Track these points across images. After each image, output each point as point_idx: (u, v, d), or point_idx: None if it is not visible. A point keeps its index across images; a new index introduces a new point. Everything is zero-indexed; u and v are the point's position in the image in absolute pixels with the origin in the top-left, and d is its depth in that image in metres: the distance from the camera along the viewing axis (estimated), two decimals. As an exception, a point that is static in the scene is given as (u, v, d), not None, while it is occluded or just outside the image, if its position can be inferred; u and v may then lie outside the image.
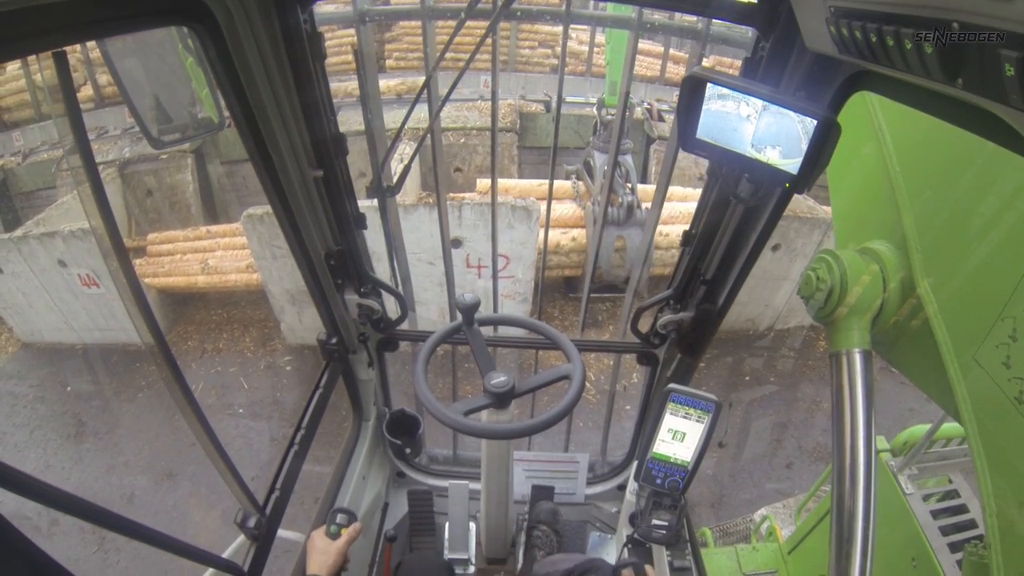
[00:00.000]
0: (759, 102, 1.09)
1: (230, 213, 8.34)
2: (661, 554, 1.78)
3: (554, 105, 1.90)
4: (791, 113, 1.06)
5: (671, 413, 1.60)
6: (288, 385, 6.11)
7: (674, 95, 8.57)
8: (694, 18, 1.58)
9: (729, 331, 6.79)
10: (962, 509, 2.48)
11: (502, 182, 6.83)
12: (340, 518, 1.43)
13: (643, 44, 8.90)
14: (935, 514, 2.42)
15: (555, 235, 6.61)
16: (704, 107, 1.14)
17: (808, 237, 6.35)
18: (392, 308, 2.03)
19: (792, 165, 1.11)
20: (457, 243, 5.59)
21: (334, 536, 1.45)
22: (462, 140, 7.54)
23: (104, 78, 9.24)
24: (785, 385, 6.38)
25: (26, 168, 8.85)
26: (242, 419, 5.53)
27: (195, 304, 7.44)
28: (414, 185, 7.05)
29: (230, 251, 6.95)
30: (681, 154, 1.39)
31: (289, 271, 5.22)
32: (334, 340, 1.89)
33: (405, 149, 6.94)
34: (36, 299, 6.68)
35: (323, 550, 1.32)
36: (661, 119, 8.13)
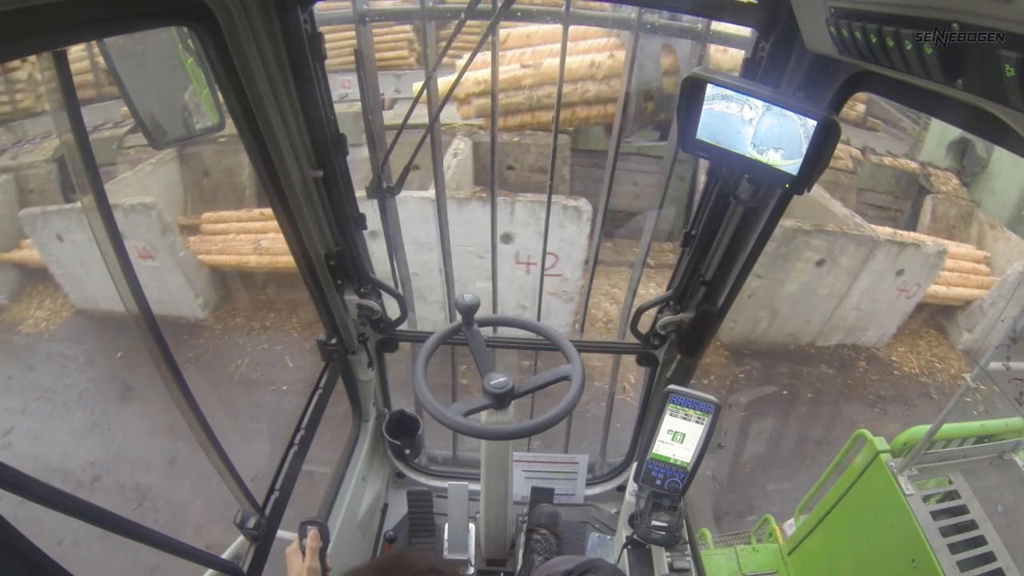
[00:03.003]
0: (759, 103, 1.09)
1: (263, 199, 8.56)
2: (661, 555, 1.78)
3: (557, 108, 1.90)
4: (791, 114, 1.06)
5: (671, 414, 1.60)
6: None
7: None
8: (694, 18, 1.58)
9: (769, 343, 6.69)
10: (962, 510, 2.47)
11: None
12: (306, 530, 1.38)
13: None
14: (935, 515, 2.42)
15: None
16: (704, 108, 1.14)
17: (854, 255, 6.18)
18: (392, 309, 2.03)
19: (792, 166, 1.11)
20: (508, 238, 5.64)
21: (305, 550, 1.40)
22: (516, 139, 7.55)
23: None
24: (825, 403, 6.30)
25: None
26: (285, 395, 5.62)
27: (245, 283, 7.55)
28: (467, 180, 7.03)
29: (281, 234, 7.00)
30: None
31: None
32: (334, 341, 1.89)
33: (460, 145, 6.99)
34: (93, 268, 6.75)
35: (297, 571, 1.30)
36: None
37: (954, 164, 8.64)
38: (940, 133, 8.82)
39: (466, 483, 2.21)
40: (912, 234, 6.87)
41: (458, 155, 6.75)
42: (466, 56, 1.60)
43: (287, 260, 6.78)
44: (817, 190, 7.00)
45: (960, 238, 7.86)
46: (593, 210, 5.58)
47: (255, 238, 7.05)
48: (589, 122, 7.56)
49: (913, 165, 8.37)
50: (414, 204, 5.13)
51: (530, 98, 7.14)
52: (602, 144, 7.43)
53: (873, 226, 6.44)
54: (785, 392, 6.31)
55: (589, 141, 7.84)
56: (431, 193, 5.38)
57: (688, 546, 1.79)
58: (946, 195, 7.98)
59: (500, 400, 1.50)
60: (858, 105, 9.11)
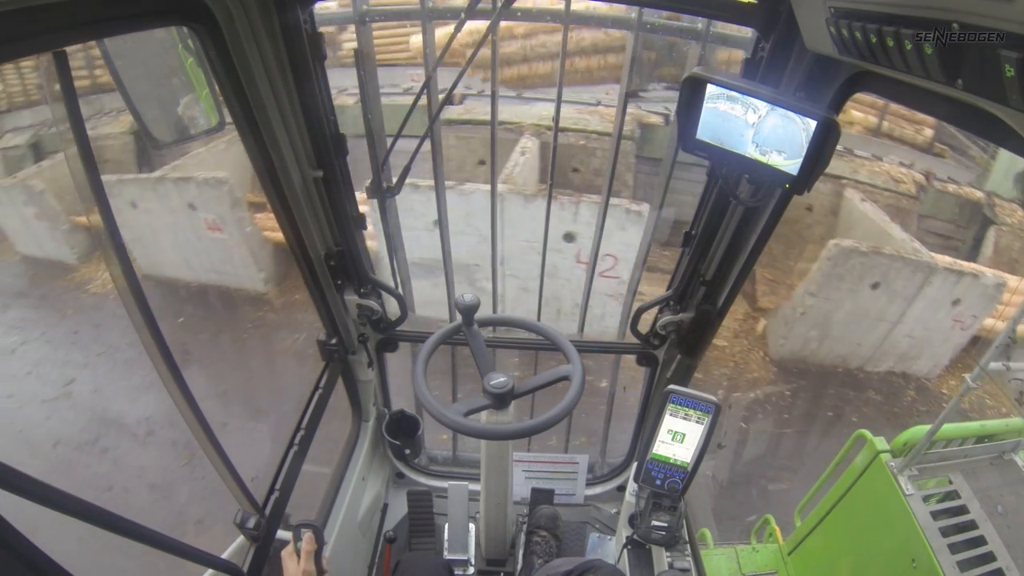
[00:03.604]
0: (759, 103, 1.09)
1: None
2: (661, 555, 1.78)
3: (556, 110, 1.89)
4: (791, 114, 1.06)
5: (671, 414, 1.60)
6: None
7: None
8: (694, 18, 1.58)
9: (818, 364, 6.59)
10: (962, 510, 2.47)
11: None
12: (300, 532, 1.38)
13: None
14: (935, 515, 2.42)
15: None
16: (704, 108, 1.14)
17: (910, 279, 6.03)
18: (392, 309, 2.03)
19: (792, 166, 1.11)
20: (570, 238, 5.70)
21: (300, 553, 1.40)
22: (582, 142, 7.55)
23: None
24: (869, 430, 6.31)
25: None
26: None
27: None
28: (532, 178, 7.07)
29: None
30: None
31: (408, 243, 5.51)
32: (334, 341, 1.89)
33: (527, 144, 7.02)
34: (162, 236, 7.13)
35: (292, 574, 1.30)
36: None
37: (1021, 196, 8.27)
38: (1008, 163, 8.41)
39: (466, 483, 2.21)
40: (971, 264, 6.65)
41: (525, 153, 6.87)
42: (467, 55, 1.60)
43: None
44: (876, 212, 6.89)
45: (1022, 273, 7.53)
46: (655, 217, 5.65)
47: None
48: (593, 76, 7.48)
49: (978, 194, 8.03)
50: (479, 197, 5.35)
51: (524, 47, 7.09)
52: (663, 153, 7.42)
53: (932, 253, 6.26)
54: (830, 414, 6.23)
55: (653, 149, 7.76)
56: (501, 188, 5.55)
57: (688, 546, 1.79)
58: (1011, 227, 7.67)
59: (500, 400, 1.50)
60: (925, 130, 8.70)
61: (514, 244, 5.66)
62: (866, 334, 6.46)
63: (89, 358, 5.95)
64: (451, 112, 7.55)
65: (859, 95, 1.13)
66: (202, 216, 6.84)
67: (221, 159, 7.66)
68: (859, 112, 8.42)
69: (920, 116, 8.05)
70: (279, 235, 7.19)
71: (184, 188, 6.78)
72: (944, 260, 6.28)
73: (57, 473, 4.70)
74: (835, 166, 7.24)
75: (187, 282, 7.47)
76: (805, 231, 7.62)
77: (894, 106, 8.16)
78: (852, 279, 6.01)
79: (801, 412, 6.22)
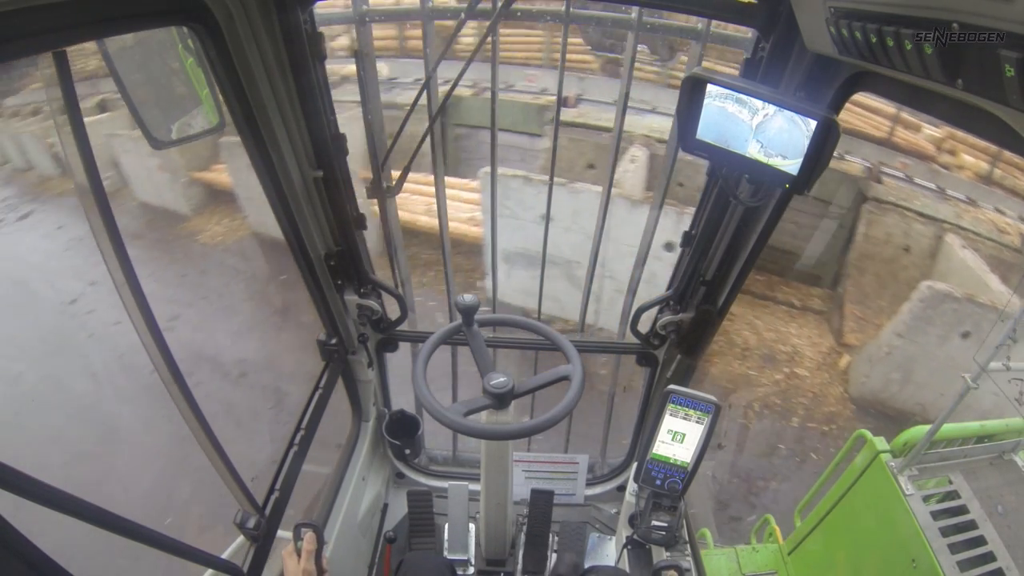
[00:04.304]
0: (759, 103, 1.09)
1: (459, 170, 8.95)
2: (661, 555, 1.78)
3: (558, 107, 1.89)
4: (791, 114, 1.06)
5: (671, 414, 1.60)
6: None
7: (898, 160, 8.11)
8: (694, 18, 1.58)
9: (897, 408, 6.44)
10: (962, 510, 2.47)
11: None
12: (301, 532, 1.38)
13: (874, 102, 8.18)
14: (935, 515, 2.42)
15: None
16: (704, 108, 1.14)
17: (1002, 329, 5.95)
18: (392, 309, 2.03)
19: (792, 166, 1.11)
20: (670, 247, 5.70)
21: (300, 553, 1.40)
22: (689, 158, 7.49)
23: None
24: None
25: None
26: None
27: (412, 240, 7.84)
28: (640, 185, 7.15)
29: (455, 202, 7.33)
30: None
31: (510, 232, 5.59)
32: (334, 340, 1.88)
33: (637, 153, 7.09)
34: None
35: (293, 574, 1.30)
36: (879, 181, 7.55)
37: None
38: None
39: (466, 483, 2.21)
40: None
41: (635, 161, 7.00)
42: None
43: (456, 227, 7.15)
44: (976, 261, 6.72)
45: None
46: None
47: (429, 201, 7.42)
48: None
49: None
50: (588, 197, 5.58)
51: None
52: None
53: (1031, 303, 6.00)
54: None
55: None
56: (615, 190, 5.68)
57: (688, 546, 1.79)
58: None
59: (500, 400, 1.50)
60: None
61: (615, 247, 5.68)
62: (949, 385, 6.24)
63: (193, 300, 6.30)
64: (566, 115, 7.76)
65: (859, 96, 1.13)
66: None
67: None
68: (970, 157, 8.08)
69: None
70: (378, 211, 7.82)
71: None
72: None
73: (153, 394, 4.69)
74: (939, 209, 7.23)
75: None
76: (900, 272, 7.40)
77: (1007, 154, 7.92)
78: (942, 325, 5.81)
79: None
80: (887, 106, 9.27)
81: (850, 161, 7.80)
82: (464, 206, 7.43)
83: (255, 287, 6.88)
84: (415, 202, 7.61)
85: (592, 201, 5.36)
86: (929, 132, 8.78)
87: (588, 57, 9.75)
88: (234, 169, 7.85)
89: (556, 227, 5.84)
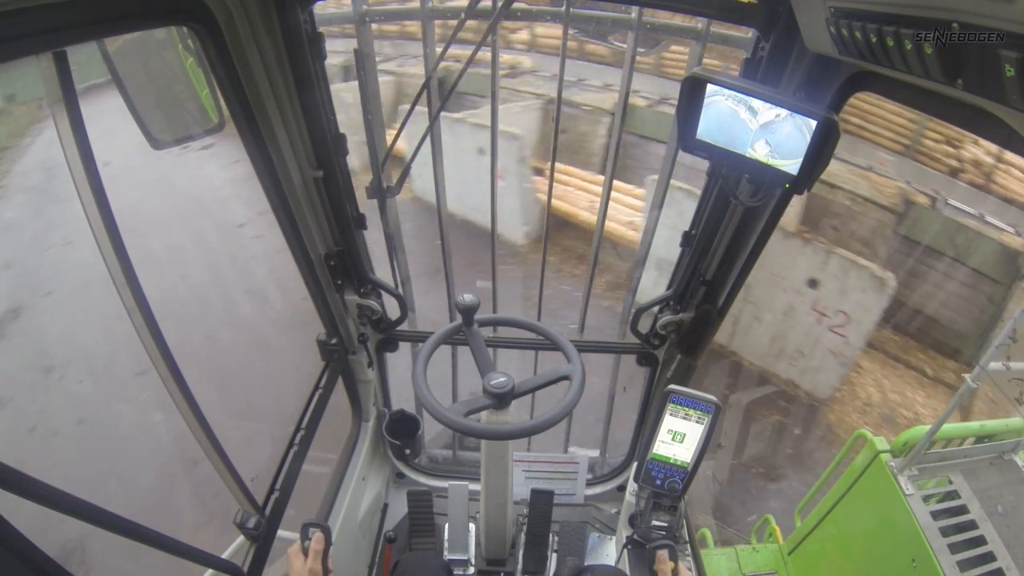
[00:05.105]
0: (759, 103, 1.09)
1: (625, 175, 9.12)
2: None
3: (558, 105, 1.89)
4: (791, 114, 1.06)
5: (671, 414, 1.60)
6: (611, 324, 6.62)
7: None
8: (694, 18, 1.58)
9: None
10: (962, 510, 2.47)
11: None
12: (309, 532, 1.38)
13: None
14: (935, 515, 2.42)
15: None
16: (704, 108, 1.14)
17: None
18: (392, 309, 2.03)
19: (792, 166, 1.11)
20: (813, 284, 5.73)
21: (307, 552, 1.40)
22: (847, 202, 7.34)
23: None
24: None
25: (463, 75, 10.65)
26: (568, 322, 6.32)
27: (570, 232, 8.14)
28: (794, 219, 6.90)
29: (618, 205, 7.59)
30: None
31: (665, 240, 5.79)
32: (334, 340, 1.88)
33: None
34: (444, 169, 7.74)
35: (298, 572, 1.30)
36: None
37: None
38: None
39: (466, 483, 2.21)
40: None
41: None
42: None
43: (614, 227, 7.37)
44: None
45: None
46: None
47: (592, 199, 7.77)
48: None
49: None
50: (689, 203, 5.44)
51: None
52: (938, 241, 7.00)
53: None
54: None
55: (922, 234, 7.25)
56: None
57: (688, 546, 1.79)
58: None
59: (500, 400, 1.50)
60: None
61: (763, 274, 5.79)
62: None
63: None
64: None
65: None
66: (488, 161, 7.47)
67: (515, 119, 8.34)
68: None
69: None
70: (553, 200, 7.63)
71: (479, 133, 7.43)
72: None
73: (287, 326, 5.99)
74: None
75: (452, 213, 8.01)
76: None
77: None
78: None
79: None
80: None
81: (1009, 233, 7.34)
82: (625, 210, 7.73)
83: (414, 244, 7.27)
84: (578, 197, 7.98)
85: (690, 206, 5.53)
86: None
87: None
88: (410, 135, 7.82)
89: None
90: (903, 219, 7.47)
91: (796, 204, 6.95)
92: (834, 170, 7.41)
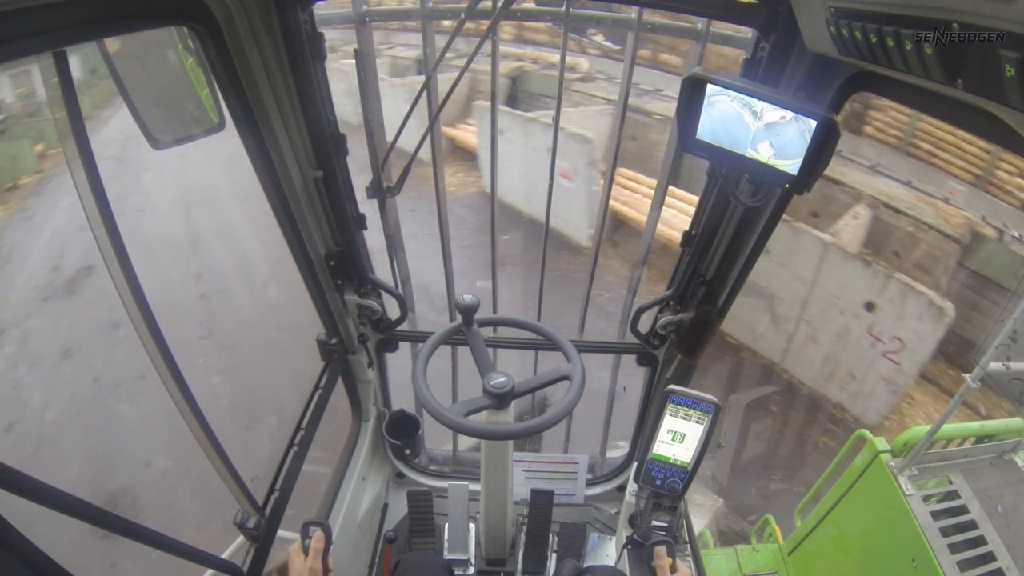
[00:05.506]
0: (759, 103, 1.09)
1: (688, 185, 9.19)
2: None
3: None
4: (791, 114, 1.06)
5: (671, 414, 1.60)
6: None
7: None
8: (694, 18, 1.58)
9: None
10: (962, 510, 2.47)
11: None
12: (309, 530, 1.38)
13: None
14: (935, 515, 2.42)
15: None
16: (706, 108, 1.14)
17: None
18: (392, 309, 2.03)
19: (792, 166, 1.11)
20: (870, 307, 5.71)
21: (308, 550, 1.40)
22: (910, 228, 7.25)
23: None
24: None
25: (535, 76, 10.76)
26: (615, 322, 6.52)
27: (633, 236, 8.30)
28: (857, 240, 7.00)
29: (677, 212, 7.62)
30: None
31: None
32: (334, 340, 1.88)
33: (860, 211, 7.16)
34: (512, 165, 7.97)
35: (298, 571, 1.31)
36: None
37: None
38: None
39: (466, 483, 2.21)
40: None
41: (857, 218, 7.17)
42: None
43: (671, 234, 7.65)
44: None
45: None
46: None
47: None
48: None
49: None
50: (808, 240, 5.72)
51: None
52: (1002, 276, 6.86)
53: None
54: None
55: (981, 264, 7.13)
56: (827, 238, 5.88)
57: (688, 546, 1.79)
58: None
59: (500, 400, 1.50)
60: None
61: (822, 293, 5.81)
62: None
63: (416, 234, 6.89)
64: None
65: (859, 95, 1.14)
66: (558, 162, 7.61)
67: (587, 123, 8.50)
68: None
69: None
70: (616, 204, 8.00)
71: (551, 133, 7.56)
72: None
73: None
74: None
75: (519, 211, 8.46)
76: None
77: None
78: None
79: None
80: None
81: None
82: (686, 217, 7.72)
83: (479, 238, 6.93)
84: (644, 203, 7.90)
85: (810, 244, 5.71)
86: None
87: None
88: (481, 130, 8.50)
89: (770, 261, 5.95)
90: (970, 254, 7.27)
91: (862, 227, 7.10)
92: (899, 193, 7.49)
